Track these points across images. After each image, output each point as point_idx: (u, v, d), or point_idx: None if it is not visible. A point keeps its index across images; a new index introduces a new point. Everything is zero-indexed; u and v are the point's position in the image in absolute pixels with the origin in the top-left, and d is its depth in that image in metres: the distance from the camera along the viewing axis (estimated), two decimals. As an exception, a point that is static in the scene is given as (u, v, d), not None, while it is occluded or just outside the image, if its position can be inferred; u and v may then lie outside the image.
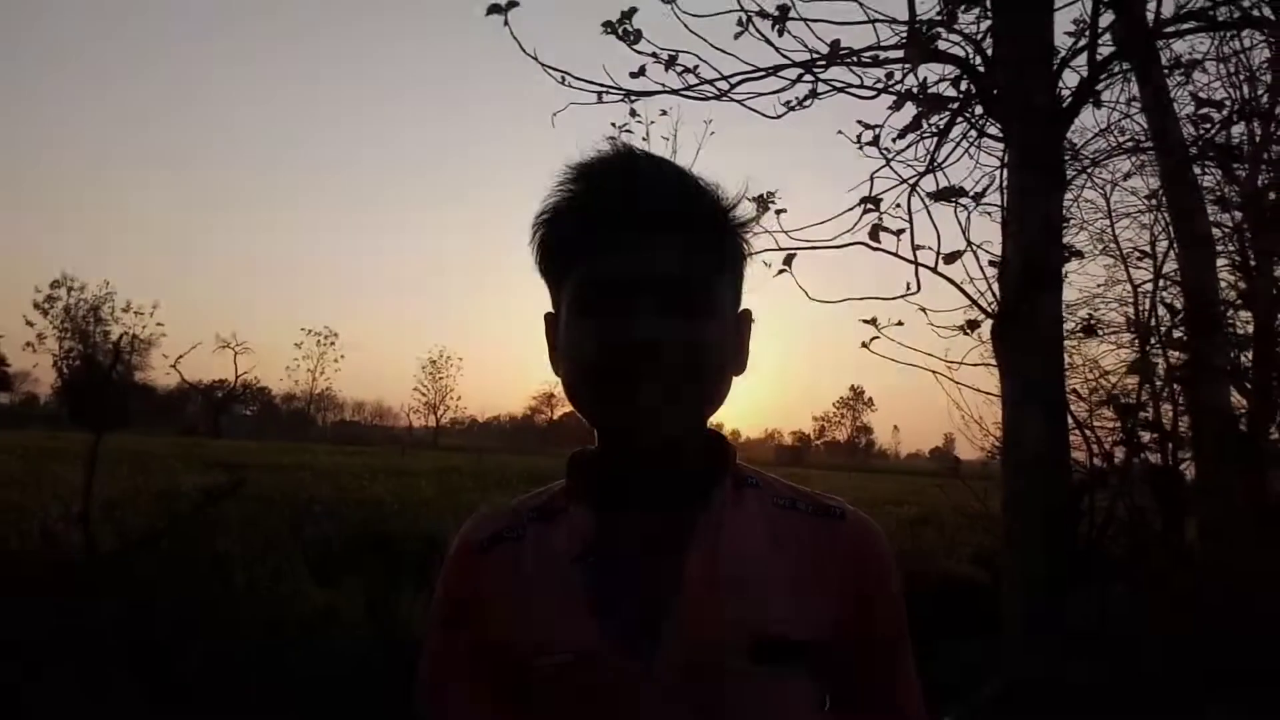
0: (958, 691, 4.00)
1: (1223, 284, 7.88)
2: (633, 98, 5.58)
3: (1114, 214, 8.21)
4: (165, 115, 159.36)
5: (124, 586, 4.94)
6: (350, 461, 24.97)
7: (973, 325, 5.46)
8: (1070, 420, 5.39)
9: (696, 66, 5.25)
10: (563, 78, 5.32)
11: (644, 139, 6.14)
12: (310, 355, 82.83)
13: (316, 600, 5.21)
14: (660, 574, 0.85)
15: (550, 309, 0.95)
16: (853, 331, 5.52)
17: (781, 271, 5.85)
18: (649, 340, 0.81)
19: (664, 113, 6.18)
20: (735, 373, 0.90)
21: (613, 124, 6.04)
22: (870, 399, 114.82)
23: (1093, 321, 6.84)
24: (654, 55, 5.28)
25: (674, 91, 5.47)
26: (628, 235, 0.84)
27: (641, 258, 0.84)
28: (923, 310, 5.47)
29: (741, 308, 0.95)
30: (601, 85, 5.42)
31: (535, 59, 5.24)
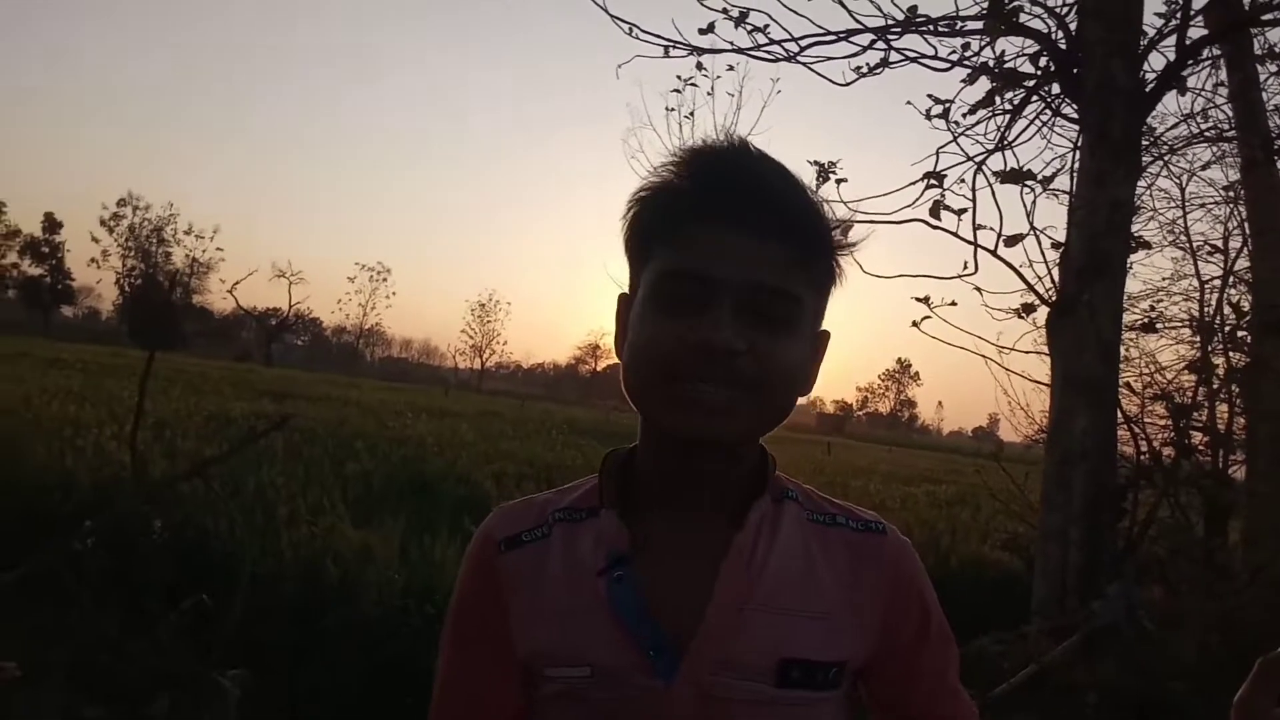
0: (983, 679, 3.98)
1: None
2: (700, 53, 5.48)
3: (1187, 205, 7.94)
4: (236, 49, 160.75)
5: (170, 512, 5.11)
6: (395, 398, 25.38)
7: (1028, 309, 5.33)
8: (1119, 415, 5.27)
9: (766, 26, 5.13)
10: (630, 29, 5.24)
11: (709, 94, 6.04)
12: (363, 290, 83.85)
13: (353, 540, 5.32)
14: (689, 591, 0.82)
15: (626, 289, 0.90)
16: (905, 305, 5.43)
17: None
18: (718, 344, 0.77)
19: (731, 68, 6.07)
20: (803, 393, 0.87)
21: (678, 77, 5.95)
22: (916, 373, 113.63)
23: (1154, 316, 6.65)
24: (724, 11, 5.17)
25: (742, 50, 5.35)
26: (728, 232, 0.80)
27: (736, 258, 0.80)
28: (978, 290, 5.36)
29: (821, 328, 0.91)
30: (669, 40, 5.33)
31: (604, 9, 5.17)
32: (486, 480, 9.07)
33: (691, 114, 10.60)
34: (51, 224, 67.67)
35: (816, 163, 5.92)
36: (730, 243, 0.80)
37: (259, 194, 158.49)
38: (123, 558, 4.77)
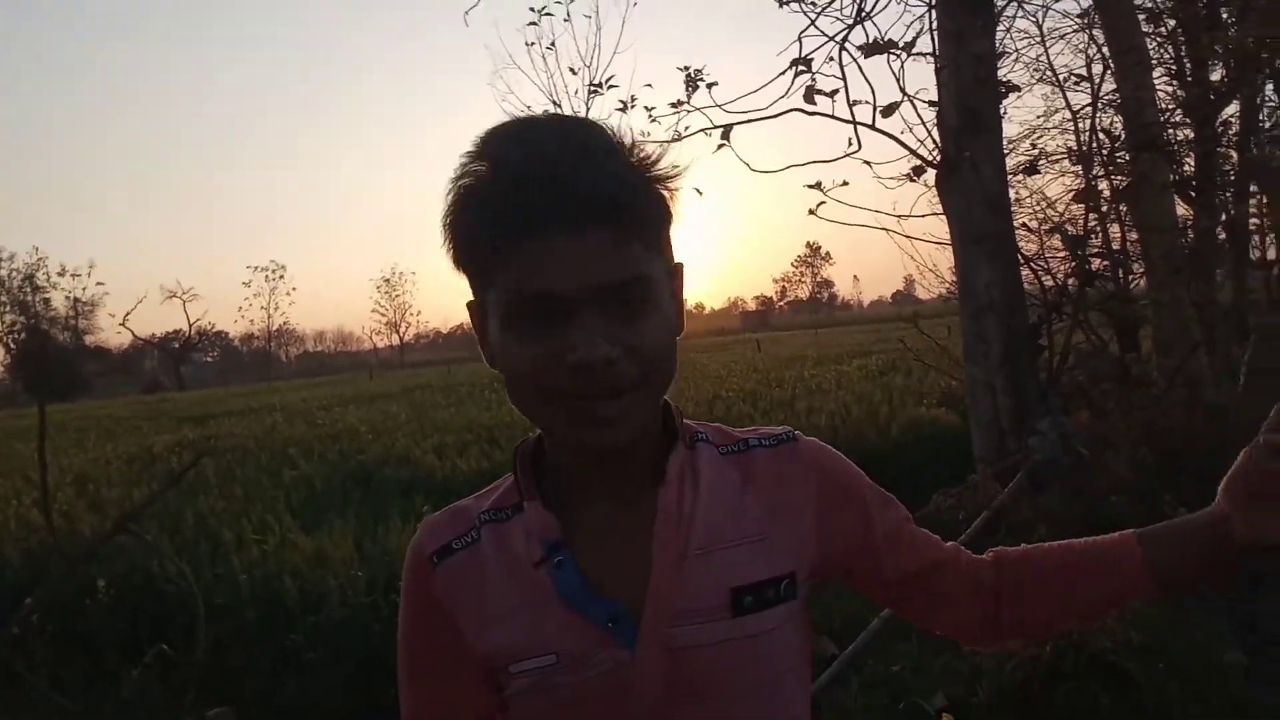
0: (942, 535, 4.14)
1: (1161, 96, 7.87)
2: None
3: (1047, 40, 8.09)
4: (65, 74, 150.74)
5: (110, 567, 4.94)
6: (319, 394, 24.85)
7: (918, 172, 5.40)
8: (1020, 258, 5.43)
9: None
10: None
11: (566, 19, 5.88)
12: (261, 292, 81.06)
13: (306, 549, 5.23)
14: (628, 558, 0.83)
15: (472, 300, 0.87)
16: (804, 193, 5.46)
17: (721, 146, 5.75)
18: (596, 360, 0.75)
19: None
20: (675, 344, 0.85)
21: (532, 9, 5.76)
22: (827, 253, 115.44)
23: (1035, 158, 6.81)
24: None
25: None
26: (558, 237, 0.76)
27: (575, 264, 0.76)
28: (867, 164, 5.42)
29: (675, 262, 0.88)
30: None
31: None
32: (427, 455, 8.98)
33: (553, 44, 10.35)
34: (-89, 295, 63.56)
35: (685, 68, 5.86)
36: (564, 249, 0.76)
37: (127, 219, 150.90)
38: (72, 623, 4.62)
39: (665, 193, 0.84)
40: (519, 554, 0.84)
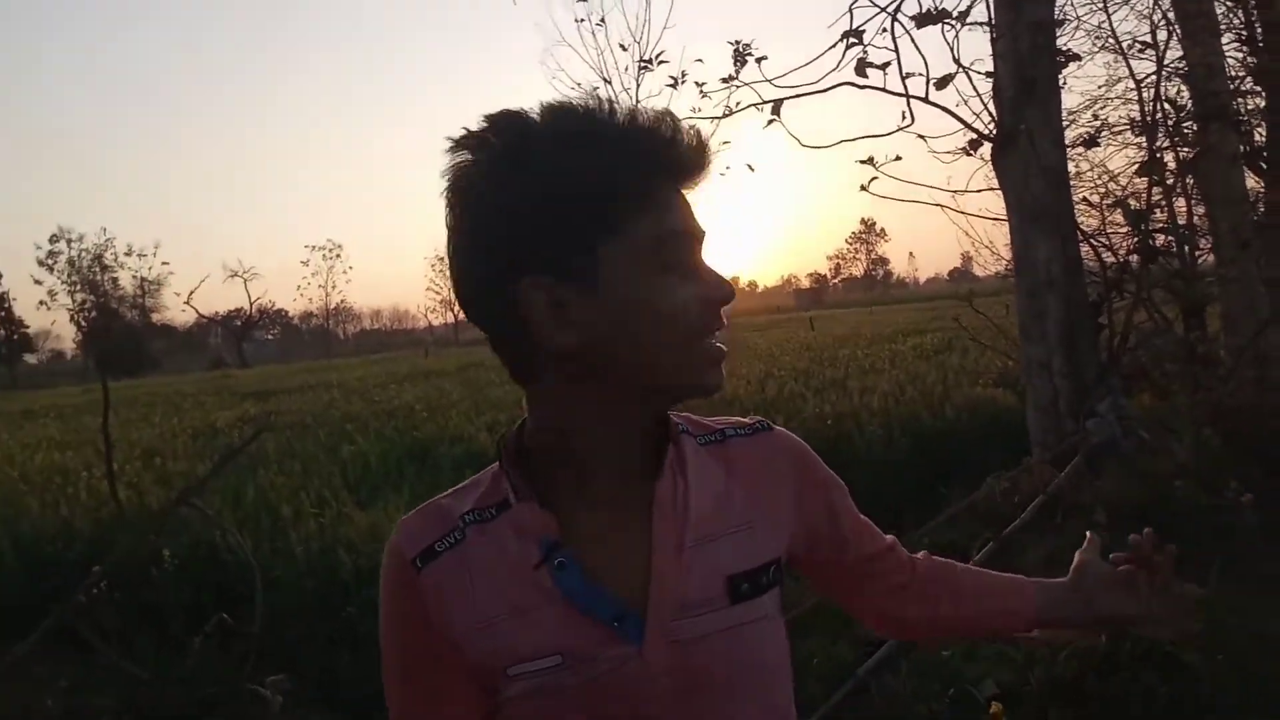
0: (995, 518, 4.06)
1: (1230, 63, 7.54)
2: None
3: (1110, 4, 7.79)
4: (125, 60, 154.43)
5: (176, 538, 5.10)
6: (375, 371, 25.27)
7: (974, 145, 5.27)
8: (1080, 234, 5.27)
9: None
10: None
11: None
12: (319, 271, 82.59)
13: (361, 524, 5.34)
14: (626, 553, 0.83)
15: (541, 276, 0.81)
16: (856, 170, 5.38)
17: (771, 121, 5.66)
18: (733, 294, 0.85)
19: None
20: None
21: (575, -1, 5.73)
22: (882, 229, 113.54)
23: (1096, 130, 6.58)
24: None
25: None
26: (678, 187, 0.85)
27: (689, 210, 0.85)
28: (921, 138, 5.30)
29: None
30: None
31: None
32: (481, 433, 9.08)
33: (603, 20, 10.29)
34: (-14, 277, 65.91)
35: (735, 43, 5.78)
36: (681, 197, 0.85)
37: (190, 201, 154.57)
38: (139, 593, 4.79)
39: None
40: (513, 555, 0.83)
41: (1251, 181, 7.03)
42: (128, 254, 69.99)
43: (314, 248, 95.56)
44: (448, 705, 0.86)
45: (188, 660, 3.76)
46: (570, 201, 0.79)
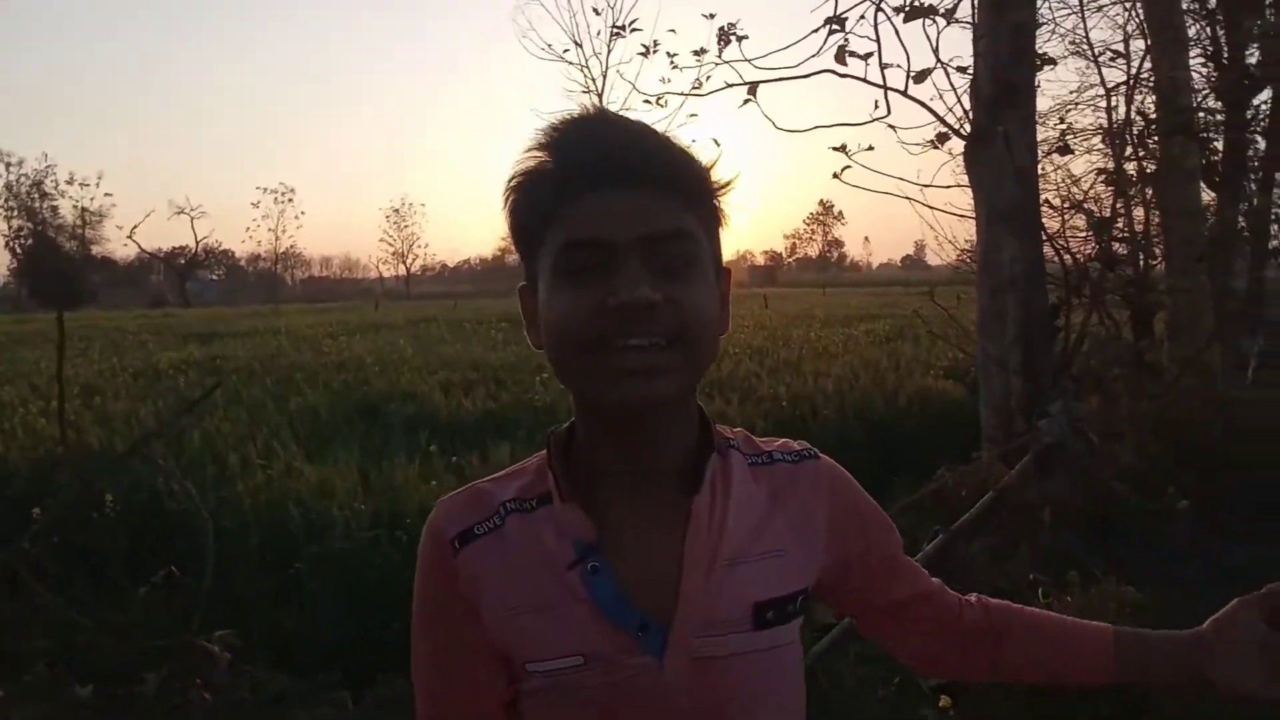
0: (944, 512, 4.16)
1: (1195, 77, 7.71)
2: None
3: (1086, 10, 7.90)
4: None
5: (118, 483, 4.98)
6: (324, 320, 24.83)
7: (943, 139, 5.32)
8: (1044, 236, 5.37)
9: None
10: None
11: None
12: (270, 214, 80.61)
13: (311, 478, 5.27)
14: (658, 564, 0.83)
15: (525, 283, 0.91)
16: (823, 151, 5.40)
17: (746, 101, 5.65)
18: (639, 301, 0.77)
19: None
20: (719, 332, 0.87)
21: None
22: (840, 212, 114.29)
23: (1066, 138, 6.68)
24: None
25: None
26: (611, 195, 0.80)
27: (626, 216, 0.80)
28: (892, 128, 5.33)
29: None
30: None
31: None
32: (434, 392, 9.00)
33: (578, -19, 10.11)
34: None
35: (711, 15, 5.73)
36: (617, 204, 0.80)
37: (137, 132, 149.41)
38: (79, 535, 4.68)
39: (716, 198, 0.87)
40: (550, 551, 0.84)
41: (1207, 196, 7.23)
42: (69, 182, 67.40)
43: (266, 190, 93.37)
44: (472, 684, 0.87)
45: (130, 610, 3.69)
46: (515, 221, 0.87)
